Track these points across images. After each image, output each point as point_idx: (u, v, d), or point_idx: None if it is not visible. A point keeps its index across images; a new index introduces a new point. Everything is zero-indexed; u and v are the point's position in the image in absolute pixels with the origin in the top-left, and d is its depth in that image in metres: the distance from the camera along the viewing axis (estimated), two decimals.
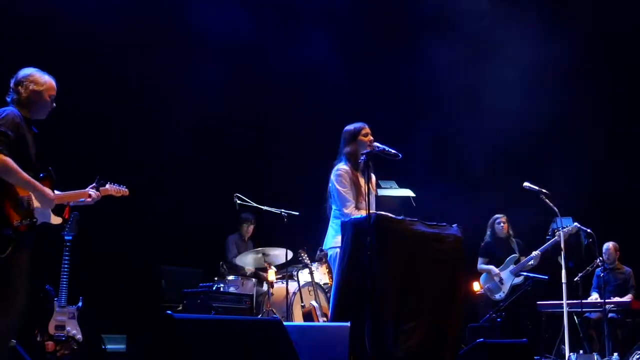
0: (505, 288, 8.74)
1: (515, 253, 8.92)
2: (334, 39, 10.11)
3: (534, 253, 8.65)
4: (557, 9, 10.59)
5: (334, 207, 5.87)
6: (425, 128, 10.20)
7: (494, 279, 8.86)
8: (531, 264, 8.66)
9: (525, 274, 8.65)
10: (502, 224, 9.07)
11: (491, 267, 8.93)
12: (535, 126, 10.42)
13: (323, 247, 6.03)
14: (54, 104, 5.09)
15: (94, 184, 5.52)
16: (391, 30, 10.67)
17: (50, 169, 5.12)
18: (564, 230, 7.82)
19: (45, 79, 5.04)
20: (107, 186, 5.70)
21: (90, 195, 5.40)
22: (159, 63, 9.46)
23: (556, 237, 8.02)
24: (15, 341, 5.61)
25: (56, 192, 5.13)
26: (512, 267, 8.82)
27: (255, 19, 9.91)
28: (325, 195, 5.97)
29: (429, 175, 9.87)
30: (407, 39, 10.62)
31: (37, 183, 4.84)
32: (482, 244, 9.17)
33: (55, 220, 5.10)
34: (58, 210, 5.18)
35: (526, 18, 10.24)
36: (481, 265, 9.07)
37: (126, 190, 5.91)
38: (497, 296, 8.78)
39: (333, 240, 5.80)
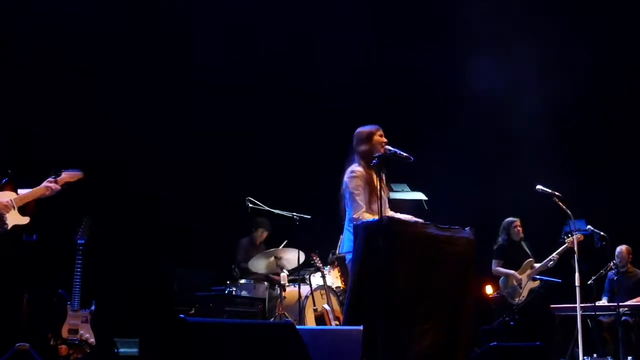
0: (525, 292, 8.72)
1: (530, 257, 8.90)
2: (354, 41, 10.13)
3: (553, 255, 8.65)
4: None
5: (348, 209, 5.85)
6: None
7: (514, 283, 8.83)
8: (550, 266, 8.66)
9: (538, 277, 8.64)
10: (517, 228, 9.05)
11: (511, 271, 8.89)
12: (548, 127, 10.42)
13: (341, 251, 6.00)
14: None
15: (51, 177, 5.52)
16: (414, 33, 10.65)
17: (10, 172, 5.23)
18: (570, 239, 7.86)
19: None
20: (63, 174, 5.64)
21: (48, 189, 5.45)
22: (168, 59, 9.48)
23: (567, 244, 8.00)
24: (29, 345, 5.64)
25: (20, 190, 5.32)
26: (528, 270, 8.80)
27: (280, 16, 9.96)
28: (337, 198, 5.96)
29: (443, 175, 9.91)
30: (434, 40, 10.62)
31: None
32: (496, 246, 9.12)
33: (23, 220, 5.26)
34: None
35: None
36: (497, 268, 9.00)
37: (80, 173, 5.78)
38: (517, 300, 8.74)
39: (349, 243, 5.77)
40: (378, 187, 5.50)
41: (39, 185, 5.49)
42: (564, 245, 8.55)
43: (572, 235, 7.86)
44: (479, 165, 10.40)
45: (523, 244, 9.07)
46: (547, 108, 10.38)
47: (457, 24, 10.40)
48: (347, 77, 10.04)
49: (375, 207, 5.62)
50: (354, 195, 5.67)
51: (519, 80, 10.42)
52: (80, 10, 8.73)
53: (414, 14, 10.38)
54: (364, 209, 5.64)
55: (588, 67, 10.36)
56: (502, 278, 8.98)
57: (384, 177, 5.91)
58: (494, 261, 9.06)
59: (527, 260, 8.87)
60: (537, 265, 8.79)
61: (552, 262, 8.67)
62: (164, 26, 9.51)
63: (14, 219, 5.24)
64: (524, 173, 9.88)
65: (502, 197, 10.04)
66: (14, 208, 5.25)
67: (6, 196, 5.27)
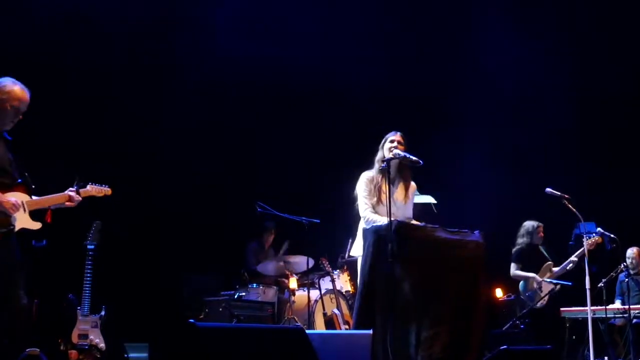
0: (545, 295, 8.66)
1: (549, 260, 8.84)
2: (366, 44, 10.12)
3: (572, 258, 8.60)
4: None
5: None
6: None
7: (534, 286, 8.76)
8: (570, 268, 8.61)
9: (549, 280, 8.60)
10: (541, 233, 8.97)
11: (532, 274, 8.81)
12: (556, 128, 10.39)
13: (350, 254, 6.09)
14: (20, 116, 5.10)
15: (73, 187, 5.51)
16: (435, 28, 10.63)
17: (27, 175, 5.19)
18: (589, 241, 7.80)
19: (8, 89, 5.04)
20: (88, 187, 5.68)
21: (70, 198, 5.40)
22: (175, 64, 9.49)
23: (585, 247, 7.98)
24: (39, 350, 5.65)
25: (34, 197, 5.24)
26: (548, 273, 8.74)
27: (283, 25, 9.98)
28: (351, 202, 6.05)
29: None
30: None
31: None
32: (516, 250, 9.01)
33: (34, 225, 5.20)
34: (39, 214, 5.30)
35: None
36: (517, 271, 8.91)
37: (108, 189, 5.89)
38: (539, 304, 8.64)
39: (359, 247, 5.81)
40: (387, 191, 5.53)
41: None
42: (582, 248, 8.50)
43: (589, 238, 7.81)
44: (488, 168, 10.36)
45: (541, 248, 9.02)
46: (550, 110, 10.37)
47: (472, 19, 10.40)
48: (359, 82, 10.01)
49: (378, 210, 5.78)
50: (361, 196, 5.91)
51: (531, 79, 10.42)
52: (81, 10, 8.75)
53: (422, 3, 10.37)
54: (369, 208, 5.82)
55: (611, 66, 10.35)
56: (521, 282, 8.89)
57: (413, 184, 5.99)
58: (512, 264, 8.96)
59: (547, 264, 8.80)
60: (556, 269, 8.73)
61: (571, 265, 8.60)
62: (168, 25, 9.52)
63: (23, 221, 5.16)
64: (533, 175, 9.88)
65: (510, 199, 10.01)
66: (24, 210, 5.20)
67: (17, 197, 5.18)
